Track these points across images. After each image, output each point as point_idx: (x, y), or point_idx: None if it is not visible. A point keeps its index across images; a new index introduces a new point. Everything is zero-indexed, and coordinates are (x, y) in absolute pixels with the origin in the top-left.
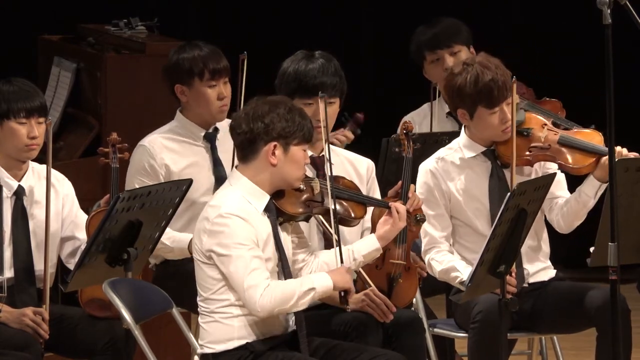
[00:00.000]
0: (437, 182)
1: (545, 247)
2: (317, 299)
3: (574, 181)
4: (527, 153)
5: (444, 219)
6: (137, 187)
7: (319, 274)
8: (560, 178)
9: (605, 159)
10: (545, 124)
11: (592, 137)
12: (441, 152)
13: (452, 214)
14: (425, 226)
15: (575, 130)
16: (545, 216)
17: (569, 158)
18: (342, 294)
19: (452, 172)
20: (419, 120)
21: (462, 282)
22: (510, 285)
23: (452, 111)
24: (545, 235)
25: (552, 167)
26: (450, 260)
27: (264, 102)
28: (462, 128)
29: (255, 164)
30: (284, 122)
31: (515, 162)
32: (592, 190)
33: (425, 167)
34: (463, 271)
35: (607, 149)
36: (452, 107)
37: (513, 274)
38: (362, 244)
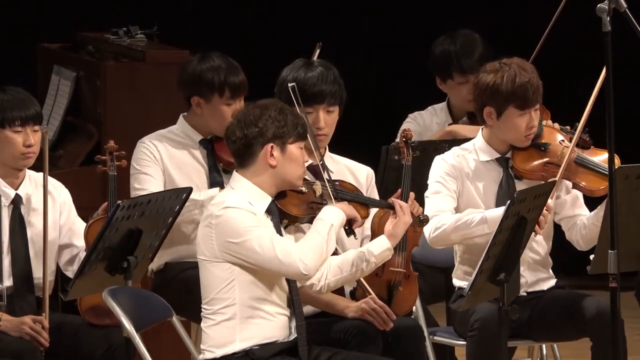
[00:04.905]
0: (453, 170)
1: (549, 258)
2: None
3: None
4: (544, 168)
5: (453, 201)
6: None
7: (324, 213)
8: (578, 196)
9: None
10: (563, 141)
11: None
12: (456, 150)
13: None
14: (433, 200)
15: (593, 149)
16: (552, 227)
17: (584, 179)
18: (346, 226)
19: (467, 170)
20: (427, 122)
21: (484, 219)
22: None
23: (476, 110)
24: (549, 247)
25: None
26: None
27: (255, 107)
28: (480, 131)
29: (255, 168)
30: (277, 123)
31: (529, 175)
32: None
33: (442, 157)
34: (478, 213)
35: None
36: (478, 105)
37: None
38: (373, 245)
